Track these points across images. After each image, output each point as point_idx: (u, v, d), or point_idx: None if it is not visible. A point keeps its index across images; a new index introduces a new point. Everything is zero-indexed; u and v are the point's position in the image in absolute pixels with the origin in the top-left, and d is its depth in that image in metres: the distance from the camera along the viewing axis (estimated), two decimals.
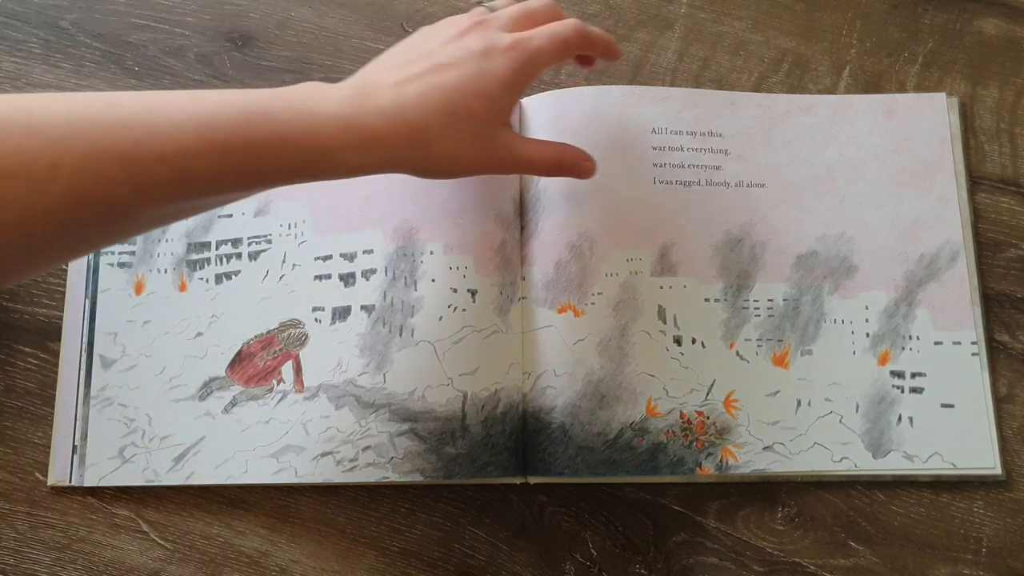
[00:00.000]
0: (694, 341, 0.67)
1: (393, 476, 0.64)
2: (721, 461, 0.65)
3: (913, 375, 0.66)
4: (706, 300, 0.68)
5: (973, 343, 0.67)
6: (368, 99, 0.52)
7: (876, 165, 0.71)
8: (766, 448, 0.65)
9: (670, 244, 0.69)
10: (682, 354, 0.67)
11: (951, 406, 0.66)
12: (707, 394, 0.66)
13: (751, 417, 0.66)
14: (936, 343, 0.67)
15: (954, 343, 0.67)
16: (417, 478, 0.64)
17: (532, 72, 0.57)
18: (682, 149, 0.71)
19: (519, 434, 0.65)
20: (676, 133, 0.71)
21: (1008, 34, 0.75)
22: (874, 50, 0.75)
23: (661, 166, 0.71)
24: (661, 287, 0.68)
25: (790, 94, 0.74)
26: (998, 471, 0.64)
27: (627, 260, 0.68)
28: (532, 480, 0.65)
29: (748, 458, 0.65)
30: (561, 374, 0.66)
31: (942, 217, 0.70)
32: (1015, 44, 0.75)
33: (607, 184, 0.68)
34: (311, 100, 0.50)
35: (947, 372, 0.66)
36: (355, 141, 0.50)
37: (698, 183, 0.71)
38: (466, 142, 0.54)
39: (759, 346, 0.68)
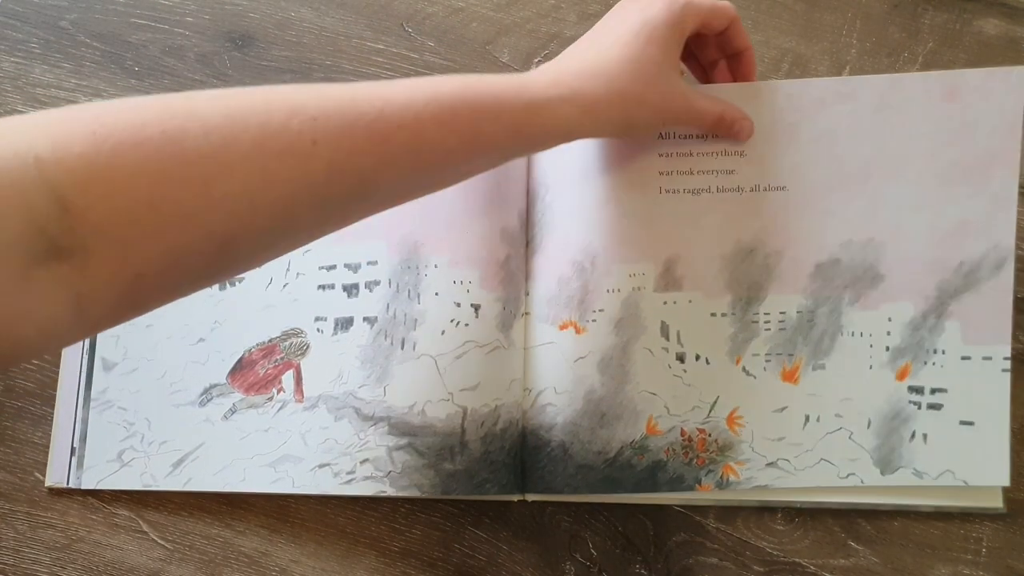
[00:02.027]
0: (698, 358, 0.65)
1: (390, 490, 0.64)
2: (722, 478, 0.64)
3: (933, 391, 0.63)
4: (712, 315, 0.65)
5: (1006, 358, 0.62)
6: (562, 62, 0.58)
7: (922, 160, 0.63)
8: (769, 464, 0.64)
9: (676, 257, 0.66)
10: (685, 371, 0.65)
11: (971, 423, 0.62)
12: (709, 411, 0.65)
13: (755, 433, 0.64)
14: (964, 358, 0.62)
15: (984, 358, 0.62)
16: (414, 493, 0.64)
17: (687, 17, 0.60)
18: (691, 154, 0.66)
19: (518, 451, 0.65)
20: (684, 138, 0.67)
21: (1008, 34, 0.75)
22: (874, 50, 0.74)
23: (668, 174, 0.66)
24: (665, 303, 0.65)
25: (827, 77, 0.70)
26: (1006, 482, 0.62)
27: (629, 275, 0.66)
28: (531, 497, 0.65)
29: (750, 474, 0.63)
30: (562, 392, 0.65)
31: (994, 219, 0.62)
32: (1015, 44, 0.74)
33: (610, 196, 0.66)
34: (516, 74, 0.56)
35: (971, 389, 0.62)
36: (562, 92, 0.54)
37: (708, 190, 0.66)
38: (651, 87, 0.58)
39: (767, 361, 0.65)
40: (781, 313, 0.65)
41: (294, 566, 0.66)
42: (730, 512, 0.65)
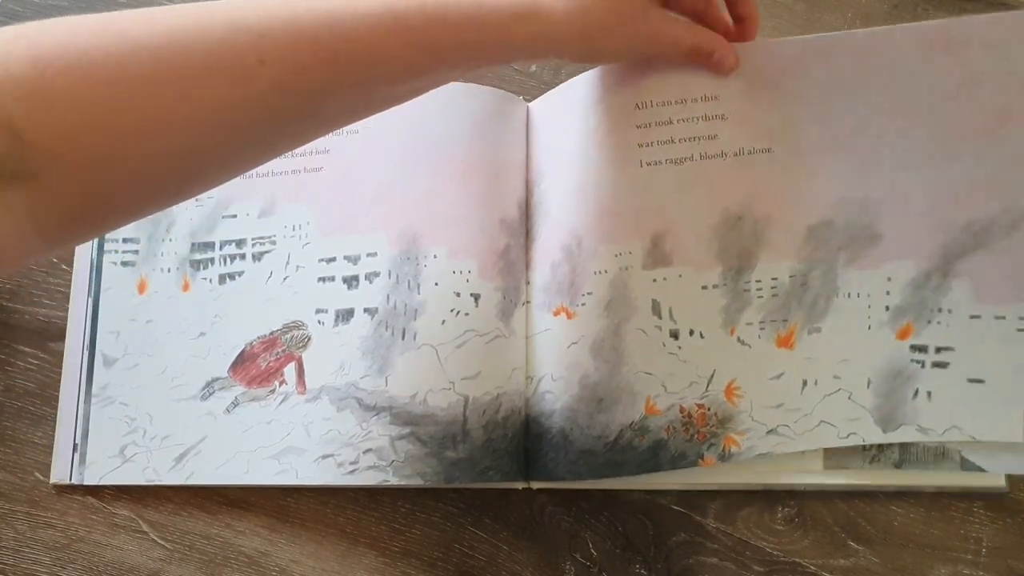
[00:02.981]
0: (692, 333, 0.63)
1: (393, 479, 0.64)
2: (724, 450, 0.61)
3: (939, 349, 0.59)
4: (703, 288, 0.63)
5: (1021, 318, 0.58)
6: None
7: (918, 117, 0.60)
8: (770, 432, 0.61)
9: (662, 232, 0.63)
10: (679, 348, 0.63)
11: (980, 381, 0.58)
12: (707, 385, 0.62)
13: (754, 403, 0.61)
14: (973, 316, 0.59)
15: (996, 317, 0.58)
16: (417, 482, 0.64)
17: None
18: (671, 122, 0.64)
19: (521, 439, 0.64)
20: (663, 104, 0.64)
21: None
22: None
23: (647, 145, 0.64)
24: (654, 280, 0.63)
25: (803, 36, 0.64)
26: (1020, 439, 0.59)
27: (615, 256, 0.64)
28: (535, 485, 0.65)
29: (751, 443, 0.61)
30: (558, 378, 0.64)
31: (1007, 180, 0.58)
32: None
33: (591, 177, 0.65)
34: None
35: (981, 347, 0.59)
36: (523, 9, 0.51)
37: (691, 158, 0.63)
38: (617, 13, 0.55)
39: (762, 329, 0.62)
40: (773, 280, 0.62)
41: (294, 566, 0.66)
42: (730, 512, 0.65)
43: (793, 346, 0.62)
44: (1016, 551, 0.63)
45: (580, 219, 0.65)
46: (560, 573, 0.65)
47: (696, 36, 0.61)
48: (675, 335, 0.63)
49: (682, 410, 0.63)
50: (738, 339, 0.63)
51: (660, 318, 0.63)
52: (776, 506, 0.65)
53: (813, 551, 0.64)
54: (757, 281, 0.62)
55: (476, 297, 0.66)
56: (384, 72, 0.49)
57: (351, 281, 0.68)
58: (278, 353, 0.68)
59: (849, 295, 0.61)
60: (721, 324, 0.63)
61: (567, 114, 0.68)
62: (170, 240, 0.71)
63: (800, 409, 0.61)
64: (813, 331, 0.62)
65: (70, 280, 0.72)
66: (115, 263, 0.71)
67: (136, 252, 0.71)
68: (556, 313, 0.65)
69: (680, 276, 0.63)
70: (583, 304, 0.64)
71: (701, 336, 0.63)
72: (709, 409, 0.62)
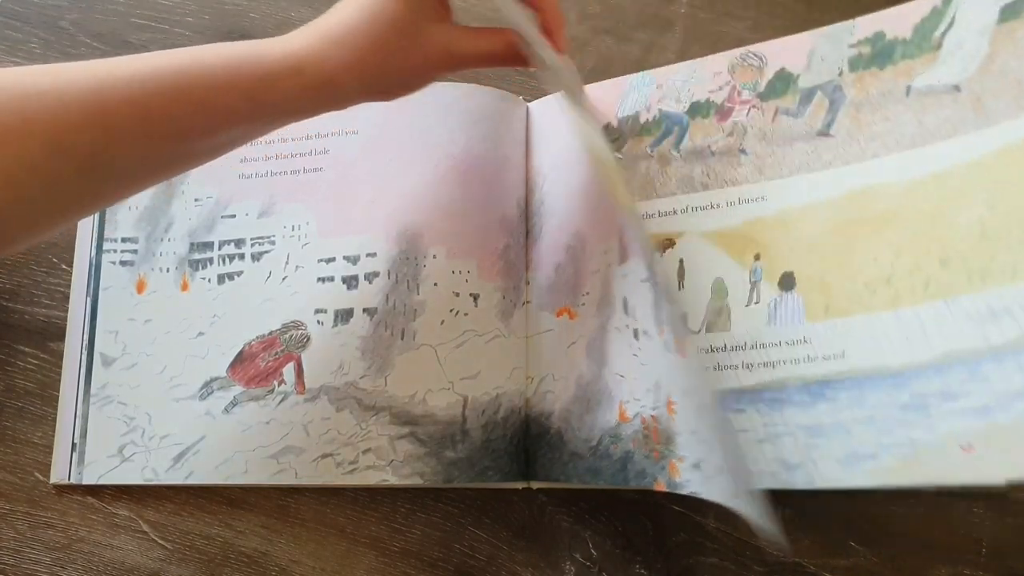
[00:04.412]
0: (645, 333, 0.60)
1: (392, 479, 0.64)
2: (670, 476, 0.56)
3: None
4: (643, 281, 0.61)
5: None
6: (309, 27, 0.53)
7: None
8: (694, 466, 0.54)
9: (624, 224, 0.63)
10: (640, 349, 0.60)
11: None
12: (656, 395, 0.58)
13: (683, 424, 0.56)
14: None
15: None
16: (416, 481, 0.64)
17: None
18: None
19: (521, 439, 0.65)
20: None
21: None
22: None
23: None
24: (624, 275, 0.63)
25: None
26: None
27: (604, 253, 0.64)
28: (535, 485, 0.65)
29: (688, 476, 0.54)
30: (559, 378, 0.64)
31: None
32: None
33: (592, 178, 0.66)
34: (257, 41, 0.52)
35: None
36: (298, 63, 0.51)
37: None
38: (393, 51, 0.54)
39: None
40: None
41: (294, 566, 0.65)
42: (730, 512, 0.64)
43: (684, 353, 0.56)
44: (1016, 551, 0.63)
45: (584, 220, 0.66)
46: (560, 573, 0.65)
47: (501, 37, 0.58)
48: (636, 335, 0.61)
49: (643, 420, 0.59)
50: (665, 343, 0.58)
51: (628, 315, 0.62)
52: (776, 506, 0.64)
53: (813, 551, 0.64)
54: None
55: (475, 297, 0.66)
56: (163, 131, 0.49)
57: (350, 281, 0.68)
58: (277, 353, 0.67)
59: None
60: (655, 322, 0.59)
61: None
62: (169, 240, 0.71)
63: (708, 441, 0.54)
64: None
65: (70, 280, 0.71)
66: (114, 263, 0.71)
67: (135, 252, 0.71)
68: (559, 314, 0.66)
69: (634, 270, 0.62)
70: (583, 304, 0.65)
71: (647, 336, 0.60)
72: (660, 424, 0.58)
